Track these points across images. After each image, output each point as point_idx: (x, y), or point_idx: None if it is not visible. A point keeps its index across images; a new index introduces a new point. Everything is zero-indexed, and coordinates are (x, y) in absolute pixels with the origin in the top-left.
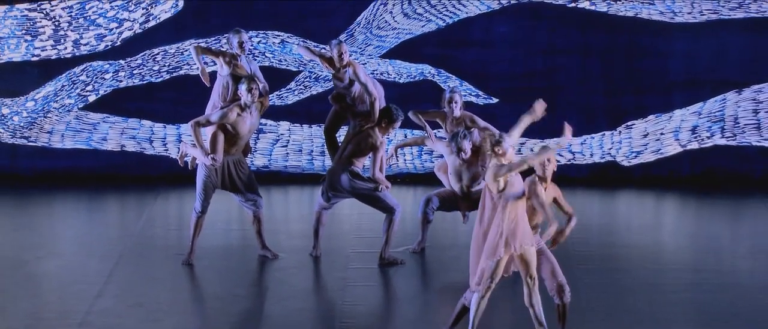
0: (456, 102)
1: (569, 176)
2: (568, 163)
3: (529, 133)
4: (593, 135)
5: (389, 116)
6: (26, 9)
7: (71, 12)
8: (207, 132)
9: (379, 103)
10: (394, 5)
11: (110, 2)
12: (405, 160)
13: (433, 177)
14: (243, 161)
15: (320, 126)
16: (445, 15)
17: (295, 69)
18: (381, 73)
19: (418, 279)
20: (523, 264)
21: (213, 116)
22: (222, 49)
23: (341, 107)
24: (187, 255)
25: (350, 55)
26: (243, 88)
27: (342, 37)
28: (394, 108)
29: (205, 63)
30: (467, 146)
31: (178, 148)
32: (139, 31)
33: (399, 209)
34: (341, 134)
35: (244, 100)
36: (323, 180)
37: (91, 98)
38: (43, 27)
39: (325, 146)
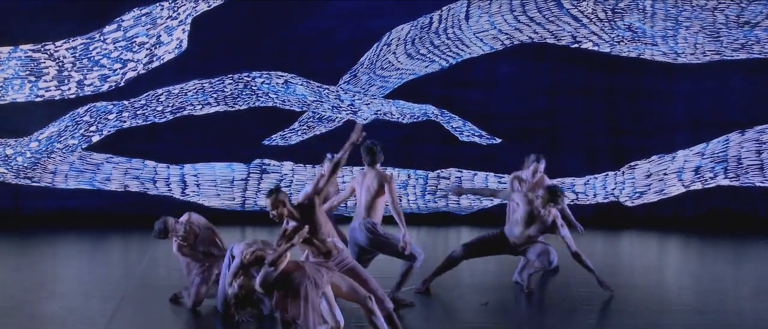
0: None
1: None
2: (572, 203)
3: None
4: (596, 176)
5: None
6: (30, 50)
7: (75, 53)
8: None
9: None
10: (397, 46)
11: (114, 43)
12: (408, 200)
13: (437, 217)
14: None
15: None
16: (449, 56)
17: (298, 109)
18: (384, 114)
19: (423, 321)
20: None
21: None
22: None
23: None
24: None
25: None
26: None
27: (345, 77)
28: (371, 144)
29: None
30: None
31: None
32: (143, 71)
33: (421, 256)
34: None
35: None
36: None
37: (95, 139)
38: (47, 68)
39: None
